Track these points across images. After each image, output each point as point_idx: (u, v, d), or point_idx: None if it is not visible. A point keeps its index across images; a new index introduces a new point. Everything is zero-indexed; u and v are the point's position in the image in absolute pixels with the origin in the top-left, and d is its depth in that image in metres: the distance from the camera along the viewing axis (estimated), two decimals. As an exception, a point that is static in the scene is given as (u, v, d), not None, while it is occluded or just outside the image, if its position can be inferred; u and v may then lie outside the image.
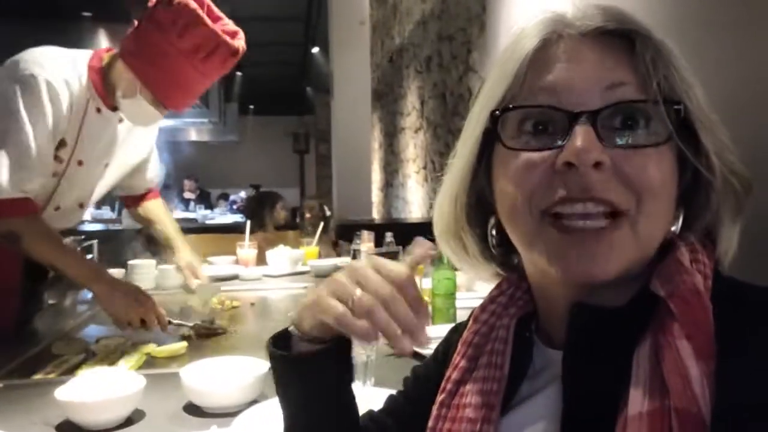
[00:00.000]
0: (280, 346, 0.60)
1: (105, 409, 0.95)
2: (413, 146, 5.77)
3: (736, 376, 0.42)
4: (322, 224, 2.81)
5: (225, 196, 7.88)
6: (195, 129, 7.78)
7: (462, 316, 1.60)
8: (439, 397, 0.58)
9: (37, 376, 1.27)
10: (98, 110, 1.57)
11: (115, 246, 2.99)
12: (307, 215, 3.10)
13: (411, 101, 5.78)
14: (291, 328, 0.60)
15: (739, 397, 0.41)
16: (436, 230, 0.62)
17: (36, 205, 1.52)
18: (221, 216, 6.93)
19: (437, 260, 1.57)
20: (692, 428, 0.41)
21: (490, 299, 0.61)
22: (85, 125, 1.56)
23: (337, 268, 2.39)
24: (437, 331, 1.42)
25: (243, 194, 7.82)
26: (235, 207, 7.43)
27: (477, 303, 1.78)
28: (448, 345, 0.65)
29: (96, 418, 0.95)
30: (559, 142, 0.48)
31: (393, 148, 6.53)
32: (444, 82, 4.85)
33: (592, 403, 0.47)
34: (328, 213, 3.24)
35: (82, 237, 3.29)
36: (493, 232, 0.58)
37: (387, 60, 6.40)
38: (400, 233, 2.65)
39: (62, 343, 1.48)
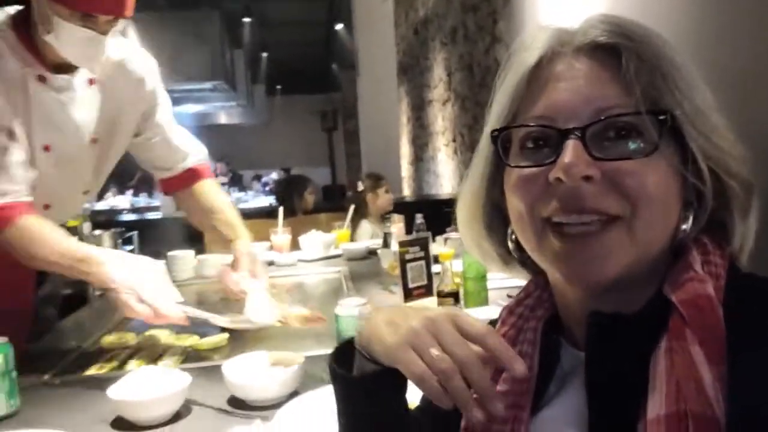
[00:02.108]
0: (341, 361, 0.60)
1: (155, 406, 1.01)
2: (441, 119, 5.73)
3: (750, 376, 0.44)
4: (353, 206, 2.83)
5: (258, 177, 7.98)
6: (224, 112, 7.87)
7: (493, 297, 1.62)
8: None
9: (90, 372, 1.34)
10: (42, 79, 1.34)
11: (156, 236, 3.09)
12: (382, 193, 3.04)
13: (438, 73, 5.72)
14: (357, 347, 0.58)
15: (753, 398, 0.43)
16: (462, 236, 0.65)
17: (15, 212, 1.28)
18: (255, 198, 7.04)
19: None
20: (708, 431, 0.43)
21: (517, 302, 0.62)
22: (35, 102, 1.33)
23: (370, 252, 2.41)
24: (471, 315, 1.46)
25: (274, 175, 7.91)
26: (267, 189, 7.53)
27: (510, 282, 1.79)
28: None
29: (147, 414, 1.00)
30: (552, 158, 0.51)
31: (421, 121, 6.50)
32: (470, 53, 4.78)
33: (614, 407, 0.49)
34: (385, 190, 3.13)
35: (123, 229, 3.42)
36: (513, 237, 0.60)
37: (412, 32, 6.33)
38: (432, 212, 2.67)
39: (111, 337, 1.55)
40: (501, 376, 0.59)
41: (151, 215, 4.71)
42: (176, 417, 1.04)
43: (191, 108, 7.04)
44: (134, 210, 5.37)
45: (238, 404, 1.07)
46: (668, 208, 0.51)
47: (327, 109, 8.66)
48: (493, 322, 0.66)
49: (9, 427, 1.03)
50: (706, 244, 0.52)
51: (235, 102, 7.20)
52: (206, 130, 7.64)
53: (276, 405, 1.02)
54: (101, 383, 1.14)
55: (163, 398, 1.02)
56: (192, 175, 1.64)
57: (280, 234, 2.59)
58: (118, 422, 1.02)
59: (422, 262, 1.54)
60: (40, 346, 1.50)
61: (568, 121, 0.51)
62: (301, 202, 3.20)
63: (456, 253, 1.61)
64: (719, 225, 0.54)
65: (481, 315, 1.47)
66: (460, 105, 5.10)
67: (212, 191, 1.66)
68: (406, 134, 7.25)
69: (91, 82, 1.43)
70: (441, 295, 1.51)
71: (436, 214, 2.57)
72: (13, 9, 1.36)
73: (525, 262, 0.61)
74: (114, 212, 5.31)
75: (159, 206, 4.99)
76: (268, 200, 6.64)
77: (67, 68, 1.36)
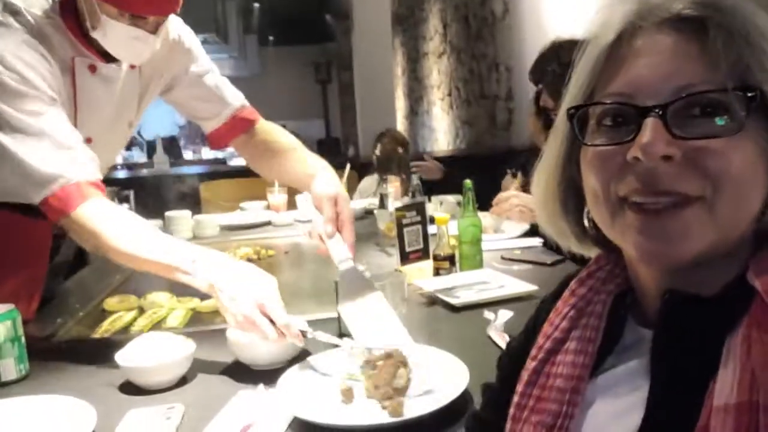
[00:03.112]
0: None
1: (163, 372, 1.04)
2: (437, 72, 5.66)
3: None
4: (348, 165, 2.83)
5: (252, 132, 7.90)
6: (217, 64, 7.70)
7: (488, 260, 1.65)
8: (531, 364, 0.61)
9: (95, 335, 1.38)
10: (92, 69, 1.32)
11: (152, 195, 3.08)
12: (377, 153, 2.93)
13: (433, 24, 5.62)
14: None
15: None
16: (537, 215, 0.64)
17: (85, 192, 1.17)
18: (249, 152, 6.98)
19: (462, 207, 1.61)
20: None
21: (588, 274, 0.62)
22: (79, 91, 1.30)
23: (367, 212, 2.43)
24: (464, 278, 1.49)
25: (269, 129, 7.83)
26: (261, 143, 7.47)
27: (505, 245, 1.82)
28: (537, 316, 0.67)
29: (155, 380, 1.04)
30: (631, 137, 0.49)
31: (416, 74, 6.41)
32: (466, 4, 4.69)
33: (678, 387, 0.49)
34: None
35: (118, 188, 3.42)
36: (589, 216, 0.59)
37: (406, -19, 6.17)
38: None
39: (114, 300, 1.58)
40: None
41: (145, 172, 4.67)
42: (182, 381, 1.07)
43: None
44: (128, 166, 5.31)
45: (242, 368, 1.11)
46: (753, 190, 0.49)
47: (321, 60, 8.51)
48: (553, 294, 0.66)
49: (20, 391, 1.07)
50: None
51: (227, 54, 7.07)
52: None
53: (279, 369, 1.05)
54: (108, 347, 1.17)
55: (170, 364, 1.05)
56: (241, 121, 1.56)
57: (277, 194, 2.60)
58: (126, 386, 1.06)
59: (419, 227, 1.57)
60: (44, 310, 1.53)
61: (647, 98, 0.49)
62: None
63: (451, 217, 1.63)
64: None
65: (477, 277, 1.51)
66: (456, 57, 5.03)
67: (274, 131, 1.56)
68: (401, 87, 7.15)
69: (132, 66, 1.39)
70: (437, 258, 1.54)
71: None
72: None
73: (600, 240, 0.60)
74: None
75: (152, 161, 4.96)
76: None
77: (110, 56, 1.32)
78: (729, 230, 0.49)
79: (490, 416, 0.68)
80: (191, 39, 1.51)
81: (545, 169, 0.60)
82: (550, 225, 0.63)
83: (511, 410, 0.60)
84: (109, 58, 1.32)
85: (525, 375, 0.61)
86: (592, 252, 0.63)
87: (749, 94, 0.47)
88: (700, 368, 0.47)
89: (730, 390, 0.44)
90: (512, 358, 0.67)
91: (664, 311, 0.52)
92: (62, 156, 1.18)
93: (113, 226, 1.15)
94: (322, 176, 1.35)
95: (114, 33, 1.23)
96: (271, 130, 1.57)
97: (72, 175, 1.16)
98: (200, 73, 1.53)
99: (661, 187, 0.48)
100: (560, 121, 0.58)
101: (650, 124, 0.48)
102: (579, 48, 0.55)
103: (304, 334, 1.07)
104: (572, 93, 0.56)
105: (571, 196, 0.60)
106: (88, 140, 1.29)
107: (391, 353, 0.96)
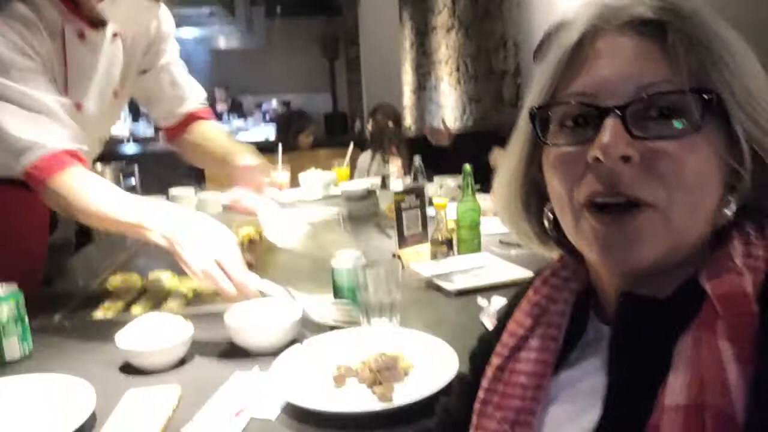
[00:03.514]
0: None
1: (161, 355, 1.07)
2: (445, 47, 5.60)
3: None
4: (352, 144, 2.83)
5: (260, 105, 7.89)
6: (223, 37, 7.66)
7: (486, 243, 1.66)
8: (496, 361, 0.62)
9: (97, 314, 1.40)
10: (81, 36, 1.31)
11: (157, 169, 3.09)
12: (369, 128, 2.91)
13: (441, -2, 5.54)
14: None
15: None
16: (500, 216, 0.65)
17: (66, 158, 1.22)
18: (254, 127, 6.97)
19: (461, 191, 1.61)
20: (724, 428, 0.43)
21: (553, 272, 0.63)
22: (69, 57, 1.30)
23: (368, 193, 2.43)
24: (463, 262, 1.50)
25: (274, 103, 7.81)
26: (267, 117, 7.45)
27: (501, 230, 1.82)
28: (507, 313, 0.68)
29: (153, 362, 1.07)
30: (591, 137, 0.50)
31: (425, 48, 6.34)
32: (474, -21, 4.62)
33: (633, 385, 0.51)
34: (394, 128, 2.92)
35: (124, 162, 3.42)
36: (550, 217, 0.60)
37: (415, -47, 6.07)
38: (432, 151, 2.68)
39: (117, 278, 1.60)
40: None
41: (151, 147, 4.67)
42: (180, 362, 1.10)
43: (189, 32, 6.86)
44: (135, 140, 5.32)
45: (239, 351, 1.13)
46: (707, 194, 0.50)
47: (328, 34, 8.42)
48: (523, 290, 0.67)
49: (24, 370, 1.10)
50: (749, 234, 0.51)
51: (234, 26, 7.01)
52: (204, 55, 7.47)
53: (275, 353, 1.08)
54: (109, 327, 1.20)
55: (168, 348, 1.08)
56: (193, 118, 1.64)
57: (280, 171, 2.60)
58: (126, 367, 1.09)
59: (417, 211, 1.58)
60: (47, 288, 1.56)
61: (608, 98, 0.50)
62: (296, 142, 3.18)
63: (449, 200, 1.63)
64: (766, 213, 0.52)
65: (474, 261, 1.52)
66: (464, 33, 4.97)
67: (211, 126, 1.64)
68: (408, 61, 7.09)
69: (114, 35, 1.40)
70: (435, 242, 1.56)
71: (439, 153, 2.58)
72: None
73: (561, 241, 0.61)
74: (114, 142, 5.28)
75: (158, 136, 4.96)
76: (267, 130, 6.60)
77: (98, 23, 1.33)
78: (684, 235, 0.50)
79: (459, 408, 0.69)
80: (170, 24, 1.56)
81: (508, 171, 0.61)
82: (512, 226, 0.64)
83: (477, 405, 0.62)
84: (94, 25, 1.33)
85: (490, 371, 0.62)
86: (554, 253, 0.64)
87: (706, 97, 0.48)
88: (654, 368, 0.49)
89: (680, 390, 0.45)
90: (482, 353, 0.68)
91: (619, 312, 0.54)
92: (41, 125, 1.20)
93: (85, 192, 1.21)
94: (242, 154, 1.50)
95: (124, 2, 1.27)
96: (210, 126, 1.65)
97: (51, 144, 1.19)
98: (171, 62, 1.58)
99: (621, 189, 0.49)
100: (523, 121, 0.58)
101: (610, 124, 0.49)
102: (537, 51, 0.56)
103: (261, 293, 1.17)
104: (534, 93, 0.56)
105: (532, 197, 0.61)
106: (77, 105, 1.33)
107: (396, 357, 1.00)
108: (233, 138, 1.64)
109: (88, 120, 1.38)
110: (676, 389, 0.46)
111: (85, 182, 1.22)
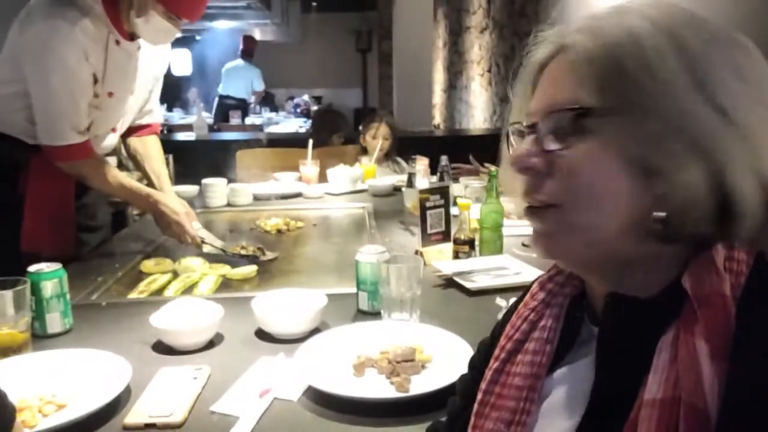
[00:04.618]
0: None
1: (192, 334, 1.13)
2: (478, 47, 5.60)
3: (750, 376, 0.45)
4: (379, 143, 2.87)
5: (292, 98, 7.97)
6: (259, 30, 7.76)
7: (509, 245, 1.69)
8: (493, 364, 0.66)
9: (132, 295, 1.48)
10: (117, 43, 1.68)
11: (190, 160, 3.17)
12: (370, 139, 2.97)
13: (477, -2, 5.54)
14: None
15: (748, 397, 0.45)
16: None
17: (92, 147, 1.74)
18: (286, 120, 7.06)
19: (486, 193, 1.65)
20: (696, 422, 0.46)
21: (549, 278, 0.66)
22: (110, 58, 1.68)
23: (395, 189, 2.49)
24: (483, 263, 1.54)
25: (306, 97, 7.89)
26: (299, 111, 7.53)
27: (523, 231, 1.85)
28: (505, 319, 0.71)
29: (185, 341, 1.13)
30: None
31: (458, 47, 6.34)
32: (510, -20, 4.61)
33: (617, 382, 0.54)
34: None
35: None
36: None
37: (452, -48, 6.07)
38: (459, 151, 2.69)
39: (150, 262, 1.68)
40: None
41: (183, 136, 4.76)
42: (210, 344, 1.16)
43: (225, 24, 6.97)
44: (168, 128, 5.42)
45: (265, 336, 1.19)
46: (612, 198, 0.52)
47: (362, 28, 8.47)
48: (522, 295, 0.71)
49: (64, 343, 1.18)
50: (733, 238, 0.52)
51: (270, 20, 7.10)
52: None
53: (299, 340, 1.13)
54: (143, 307, 1.27)
55: (199, 328, 1.14)
56: (148, 128, 2.01)
57: (309, 166, 2.66)
58: (159, 346, 1.16)
59: (441, 210, 1.61)
60: (86, 268, 1.64)
61: (533, 119, 0.57)
62: (329, 141, 3.23)
63: (473, 202, 1.67)
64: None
65: (495, 262, 1.55)
66: (499, 33, 4.97)
67: (157, 143, 2.03)
68: (441, 60, 7.09)
69: (138, 48, 1.78)
70: (457, 242, 1.59)
71: (466, 153, 2.60)
72: None
73: None
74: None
75: (191, 124, 5.05)
76: (299, 123, 6.66)
77: (132, 36, 1.71)
78: (598, 232, 0.53)
79: (462, 407, 0.73)
80: (168, 46, 1.91)
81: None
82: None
83: (475, 406, 0.66)
84: (130, 37, 1.70)
85: (488, 374, 0.66)
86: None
87: (580, 110, 0.52)
88: (637, 365, 0.52)
89: (658, 386, 0.49)
90: (482, 357, 0.72)
91: (605, 312, 0.57)
92: (77, 122, 1.67)
93: (104, 173, 1.75)
94: (170, 191, 1.92)
95: (153, 24, 1.63)
96: (156, 141, 2.03)
97: (77, 138, 1.67)
98: (160, 78, 1.96)
99: (533, 193, 0.56)
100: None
101: (527, 140, 0.56)
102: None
103: (203, 240, 1.78)
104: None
105: None
106: (110, 94, 1.74)
107: (414, 349, 1.05)
108: (167, 171, 2.02)
109: (115, 106, 1.80)
110: (654, 385, 0.49)
111: (101, 167, 1.76)
